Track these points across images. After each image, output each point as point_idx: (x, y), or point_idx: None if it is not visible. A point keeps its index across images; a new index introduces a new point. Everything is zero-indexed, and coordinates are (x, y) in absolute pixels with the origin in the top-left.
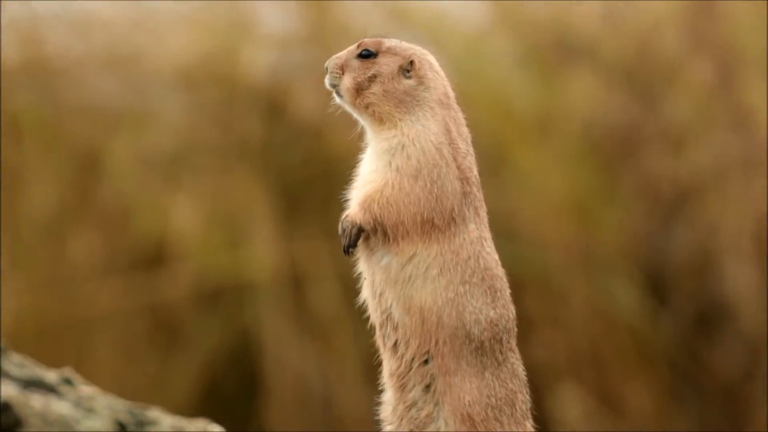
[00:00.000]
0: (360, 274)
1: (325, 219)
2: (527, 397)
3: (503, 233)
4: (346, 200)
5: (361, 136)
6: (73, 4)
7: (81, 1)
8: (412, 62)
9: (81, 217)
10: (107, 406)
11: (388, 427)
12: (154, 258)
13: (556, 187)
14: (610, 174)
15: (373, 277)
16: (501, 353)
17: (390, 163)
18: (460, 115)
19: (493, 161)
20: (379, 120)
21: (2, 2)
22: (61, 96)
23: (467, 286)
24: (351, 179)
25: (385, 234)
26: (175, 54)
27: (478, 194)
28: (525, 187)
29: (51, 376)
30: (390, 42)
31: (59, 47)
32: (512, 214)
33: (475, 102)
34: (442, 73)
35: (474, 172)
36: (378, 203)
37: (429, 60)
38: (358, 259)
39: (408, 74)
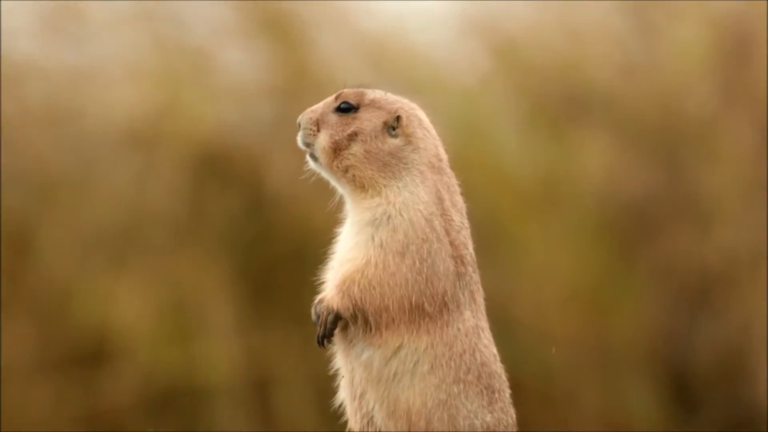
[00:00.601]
0: (337, 371)
1: (294, 306)
2: None
3: (500, 323)
4: (321, 282)
5: (339, 206)
6: (3, 51)
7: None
8: (398, 118)
9: (8, 305)
10: None
11: None
12: (93, 354)
13: (563, 269)
14: (626, 255)
15: (352, 374)
16: None
17: (373, 237)
18: (454, 181)
19: (490, 236)
20: (361, 186)
21: None
22: None
23: (461, 386)
24: (327, 258)
25: (366, 322)
26: (121, 110)
27: (474, 276)
28: (526, 269)
29: None
30: (373, 93)
31: None
32: (511, 301)
33: (470, 166)
34: (434, 131)
35: (469, 250)
36: (359, 285)
37: (418, 115)
38: (334, 353)
39: (394, 132)
